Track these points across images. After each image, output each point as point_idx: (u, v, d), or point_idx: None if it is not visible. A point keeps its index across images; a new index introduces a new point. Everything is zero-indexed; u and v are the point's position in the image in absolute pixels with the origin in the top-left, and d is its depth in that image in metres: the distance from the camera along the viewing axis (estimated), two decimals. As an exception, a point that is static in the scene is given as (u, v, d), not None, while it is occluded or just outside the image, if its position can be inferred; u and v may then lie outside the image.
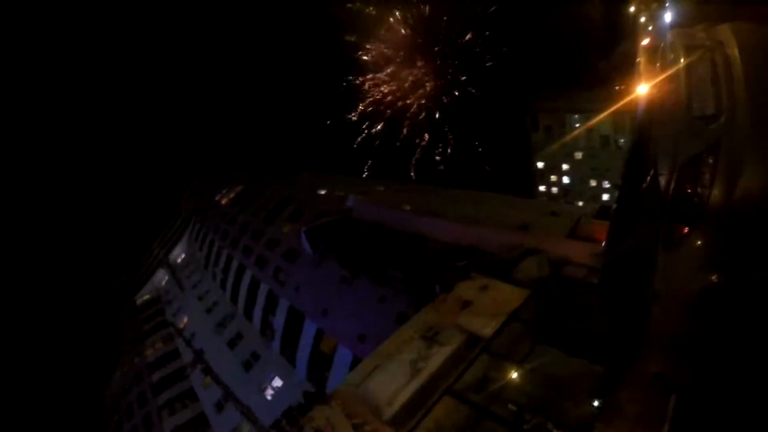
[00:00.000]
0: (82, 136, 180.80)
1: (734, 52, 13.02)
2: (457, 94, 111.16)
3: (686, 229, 14.01)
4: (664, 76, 15.12)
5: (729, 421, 12.54)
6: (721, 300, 12.42)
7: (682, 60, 14.22)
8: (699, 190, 11.60)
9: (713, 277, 12.68)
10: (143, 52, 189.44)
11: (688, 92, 13.30)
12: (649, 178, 13.38)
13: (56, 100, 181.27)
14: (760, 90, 11.66)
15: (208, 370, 47.44)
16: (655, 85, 15.41)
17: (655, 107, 14.72)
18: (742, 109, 11.30)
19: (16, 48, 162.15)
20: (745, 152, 11.09)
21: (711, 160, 11.66)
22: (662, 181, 12.65)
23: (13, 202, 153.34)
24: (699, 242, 12.51)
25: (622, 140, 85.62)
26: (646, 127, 15.16)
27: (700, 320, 13.35)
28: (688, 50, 14.30)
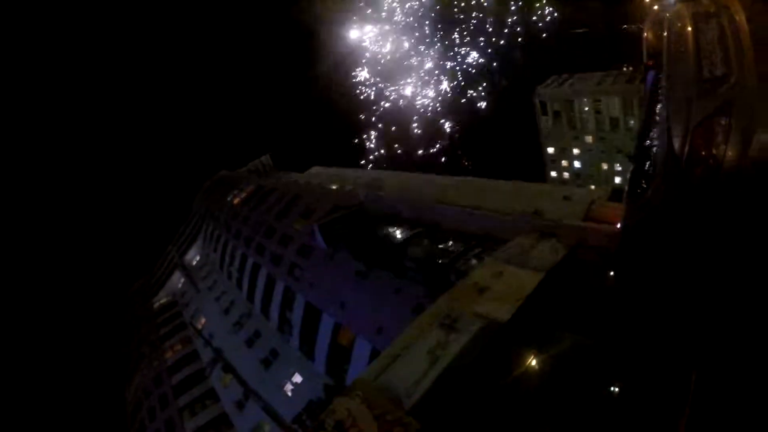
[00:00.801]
0: (94, 144, 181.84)
1: (740, 14, 12.95)
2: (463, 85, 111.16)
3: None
4: (671, 43, 15.03)
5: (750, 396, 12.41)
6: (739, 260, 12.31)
7: (689, 28, 14.14)
8: (714, 150, 11.46)
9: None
10: (152, 57, 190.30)
11: (697, 56, 13.25)
12: (663, 139, 13.28)
13: (68, 108, 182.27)
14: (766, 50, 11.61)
15: (228, 368, 47.69)
16: (665, 54, 15.28)
17: (666, 74, 14.61)
18: (751, 68, 11.20)
19: (26, 58, 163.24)
20: (757, 110, 10.97)
21: (724, 121, 11.52)
22: (676, 144, 12.52)
23: (28, 210, 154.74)
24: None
25: (632, 122, 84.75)
26: (657, 91, 15.07)
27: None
28: (695, 17, 14.22)
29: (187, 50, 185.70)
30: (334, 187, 62.88)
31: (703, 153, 12.07)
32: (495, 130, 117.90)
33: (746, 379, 12.53)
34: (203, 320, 66.84)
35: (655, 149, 14.71)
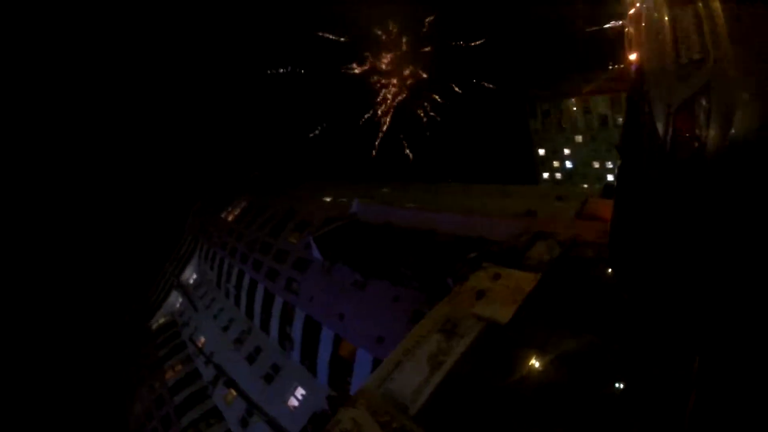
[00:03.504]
0: (77, 170, 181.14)
1: (715, 1, 13.28)
2: (457, 90, 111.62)
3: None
4: (651, 32, 15.37)
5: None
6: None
7: (665, 17, 14.49)
8: (696, 131, 11.69)
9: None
10: (141, 78, 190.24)
11: (674, 42, 13.56)
12: (647, 126, 13.52)
13: (69, 120, 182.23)
14: (741, 32, 11.88)
15: (230, 383, 47.57)
16: (644, 43, 15.62)
17: (646, 61, 14.92)
18: (727, 50, 11.50)
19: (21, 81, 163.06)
20: (735, 90, 11.23)
21: (704, 102, 11.76)
22: (660, 128, 12.76)
23: (23, 233, 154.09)
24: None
25: (620, 119, 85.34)
26: (639, 80, 15.32)
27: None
28: (671, 6, 14.59)
29: (174, 71, 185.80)
30: (327, 200, 62.95)
31: (687, 135, 12.27)
32: (484, 134, 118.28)
33: (750, 364, 12.60)
34: (203, 339, 66.57)
35: (639, 137, 14.95)
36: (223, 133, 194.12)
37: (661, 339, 15.03)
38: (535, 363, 17.44)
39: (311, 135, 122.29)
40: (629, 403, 14.61)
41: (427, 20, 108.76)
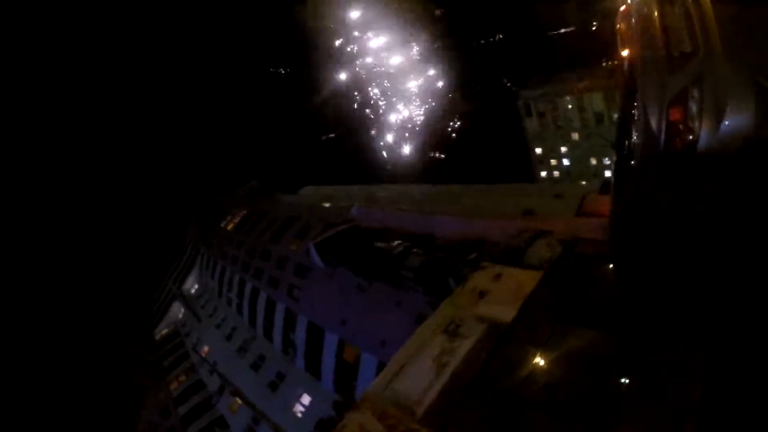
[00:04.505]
0: (74, 182, 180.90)
1: None
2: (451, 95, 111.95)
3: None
4: (641, 28, 15.48)
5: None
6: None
7: (655, 12, 14.61)
8: (689, 124, 11.78)
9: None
10: (138, 87, 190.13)
11: (665, 36, 13.62)
12: (640, 120, 13.61)
13: (66, 127, 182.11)
14: (729, 24, 12.00)
15: (235, 392, 47.56)
16: (634, 39, 15.74)
17: (637, 57, 15.02)
18: (716, 42, 11.62)
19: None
20: (725, 81, 11.34)
21: (696, 94, 11.85)
22: (653, 122, 12.86)
23: (25, 243, 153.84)
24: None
25: (615, 115, 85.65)
26: (631, 76, 15.42)
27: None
28: (661, 1, 14.70)
29: (168, 81, 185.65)
30: (326, 205, 63.06)
31: (681, 127, 12.35)
32: (481, 135, 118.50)
33: (756, 358, 12.65)
34: (206, 348, 66.60)
35: (634, 132, 15.03)
36: (221, 141, 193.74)
37: (666, 333, 15.08)
38: (539, 361, 17.45)
39: (324, 138, 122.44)
40: (635, 399, 14.63)
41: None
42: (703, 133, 11.39)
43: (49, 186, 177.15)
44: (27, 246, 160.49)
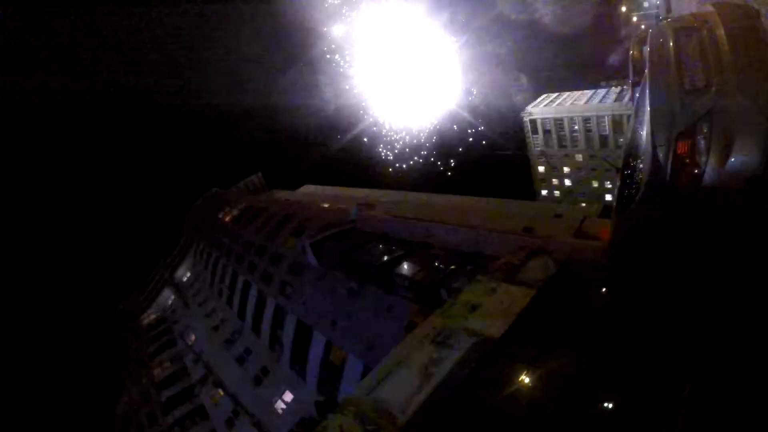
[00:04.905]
0: (78, 162, 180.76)
1: (719, 28, 13.45)
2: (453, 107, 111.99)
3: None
4: (654, 57, 15.55)
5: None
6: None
7: (670, 42, 14.67)
8: (696, 158, 11.89)
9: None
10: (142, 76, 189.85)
11: (679, 69, 13.71)
12: (648, 153, 13.67)
13: (62, 124, 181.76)
14: (744, 60, 12.06)
15: (218, 383, 47.46)
16: (647, 67, 15.80)
17: (649, 86, 15.08)
18: (730, 78, 11.69)
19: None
20: (736, 119, 11.44)
21: (705, 129, 11.94)
22: (660, 154, 12.94)
23: (15, 226, 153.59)
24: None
25: (621, 139, 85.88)
26: (641, 104, 15.51)
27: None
28: (676, 32, 14.74)
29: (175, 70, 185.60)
30: (326, 206, 63.05)
31: (687, 161, 12.44)
32: (485, 149, 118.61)
33: (739, 389, 12.68)
34: (193, 337, 66.48)
35: (640, 162, 15.11)
36: (228, 133, 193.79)
37: (653, 361, 15.12)
38: (525, 379, 17.47)
39: (339, 137, 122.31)
40: (617, 423, 14.66)
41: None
42: (709, 168, 11.48)
43: (49, 177, 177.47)
44: (23, 232, 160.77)
